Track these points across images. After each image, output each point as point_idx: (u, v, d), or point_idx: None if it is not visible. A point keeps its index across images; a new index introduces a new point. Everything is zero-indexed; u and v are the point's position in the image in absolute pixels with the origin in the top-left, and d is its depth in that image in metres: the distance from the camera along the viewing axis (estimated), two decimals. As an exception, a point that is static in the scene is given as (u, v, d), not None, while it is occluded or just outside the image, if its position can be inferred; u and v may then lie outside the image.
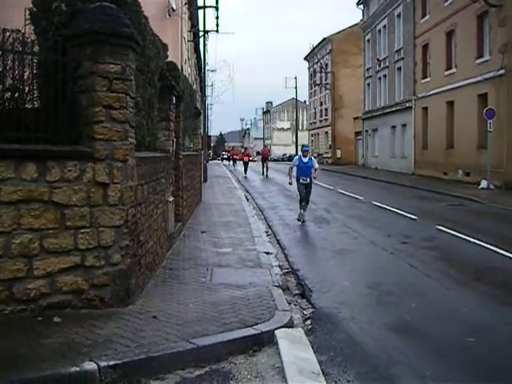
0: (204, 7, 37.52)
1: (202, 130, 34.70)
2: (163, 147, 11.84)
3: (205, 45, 40.00)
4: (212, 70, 67.07)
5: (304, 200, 17.36)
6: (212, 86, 73.89)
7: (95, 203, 7.21)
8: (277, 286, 9.01)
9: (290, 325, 7.14)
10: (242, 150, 62.19)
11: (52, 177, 6.89)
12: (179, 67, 24.39)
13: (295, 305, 8.47)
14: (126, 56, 7.48)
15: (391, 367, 6.05)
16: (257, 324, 6.87)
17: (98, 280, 7.25)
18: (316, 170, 17.76)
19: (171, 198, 11.90)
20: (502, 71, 28.88)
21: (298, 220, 16.96)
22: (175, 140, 13.14)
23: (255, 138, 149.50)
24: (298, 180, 17.57)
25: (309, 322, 7.63)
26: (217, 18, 37.58)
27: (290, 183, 18.25)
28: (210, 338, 6.35)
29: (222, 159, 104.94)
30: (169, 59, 13.69)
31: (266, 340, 6.61)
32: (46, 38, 7.38)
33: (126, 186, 7.45)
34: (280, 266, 10.97)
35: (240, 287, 8.80)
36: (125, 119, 7.42)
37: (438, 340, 6.90)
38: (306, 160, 17.46)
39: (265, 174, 43.41)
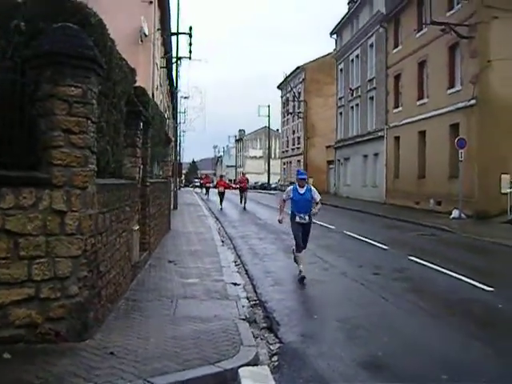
0: (177, 33, 37.42)
1: (173, 157, 34.46)
2: (129, 174, 11.51)
3: (177, 71, 39.89)
4: (185, 97, 67.06)
5: (300, 246, 12.90)
6: (185, 112, 73.82)
7: (51, 232, 6.84)
8: (243, 319, 8.67)
9: (255, 361, 6.80)
10: (217, 179, 54.57)
11: (6, 204, 6.53)
12: (150, 93, 24.17)
13: (262, 339, 8.14)
14: (87, 79, 7.17)
15: (360, 408, 5.74)
16: (220, 361, 6.52)
17: (53, 313, 6.86)
18: (318, 203, 13.22)
19: (136, 227, 11.55)
20: (473, 101, 29.16)
21: (301, 279, 12.30)
22: (142, 167, 12.81)
23: (228, 166, 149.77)
24: (292, 218, 13.04)
25: (275, 358, 7.29)
26: (190, 44, 37.50)
27: (280, 221, 13.64)
28: (169, 376, 5.99)
29: (194, 187, 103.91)
30: (140, 85, 13.44)
31: (229, 378, 6.26)
32: (4, 58, 7.08)
33: (84, 214, 7.09)
34: (248, 298, 10.66)
35: (204, 321, 8.42)
36: (85, 144, 7.09)
37: (410, 377, 6.62)
38: (302, 191, 12.99)
39: (243, 204, 38.26)
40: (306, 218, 12.86)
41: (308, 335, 8.32)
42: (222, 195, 39.29)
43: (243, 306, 9.70)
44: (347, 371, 6.78)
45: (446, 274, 13.32)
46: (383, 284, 12.22)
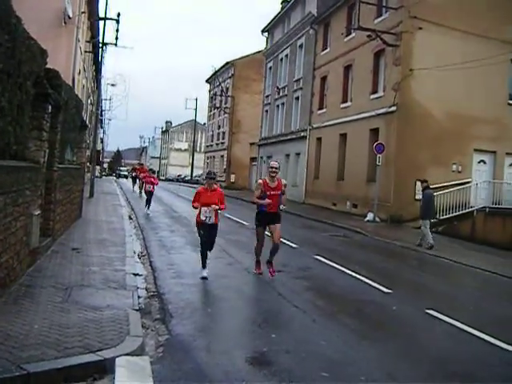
0: (105, 19, 36.63)
1: (91, 144, 33.86)
2: (33, 157, 11.18)
3: (102, 57, 39.10)
4: (112, 84, 65.93)
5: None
6: (110, 99, 72.74)
7: None
8: (136, 310, 8.58)
9: (139, 352, 6.73)
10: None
11: None
12: (70, 77, 23.69)
13: (152, 330, 8.05)
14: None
15: (235, 403, 5.75)
16: (101, 350, 6.43)
17: None
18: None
19: (37, 212, 11.23)
20: (393, 108, 29.83)
21: None
22: (49, 151, 12.48)
23: (152, 157, 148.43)
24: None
25: (161, 349, 7.22)
26: (117, 31, 36.83)
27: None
28: (45, 363, 5.86)
29: (118, 176, 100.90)
30: (60, 68, 13.07)
31: (108, 368, 6.16)
32: None
33: (-29, 194, 6.88)
34: (146, 289, 10.56)
35: (96, 309, 8.28)
36: (-24, 123, 6.86)
37: (291, 374, 6.64)
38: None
39: None
40: None
41: (198, 328, 8.30)
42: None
43: (139, 297, 9.62)
44: (230, 366, 6.75)
45: (349, 274, 13.57)
46: (285, 281, 12.31)
